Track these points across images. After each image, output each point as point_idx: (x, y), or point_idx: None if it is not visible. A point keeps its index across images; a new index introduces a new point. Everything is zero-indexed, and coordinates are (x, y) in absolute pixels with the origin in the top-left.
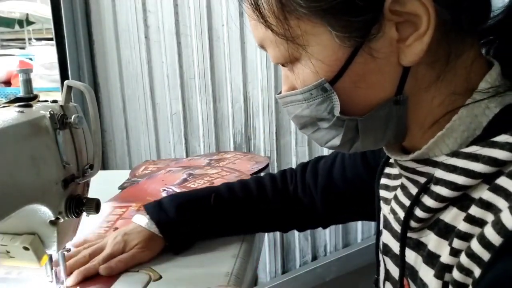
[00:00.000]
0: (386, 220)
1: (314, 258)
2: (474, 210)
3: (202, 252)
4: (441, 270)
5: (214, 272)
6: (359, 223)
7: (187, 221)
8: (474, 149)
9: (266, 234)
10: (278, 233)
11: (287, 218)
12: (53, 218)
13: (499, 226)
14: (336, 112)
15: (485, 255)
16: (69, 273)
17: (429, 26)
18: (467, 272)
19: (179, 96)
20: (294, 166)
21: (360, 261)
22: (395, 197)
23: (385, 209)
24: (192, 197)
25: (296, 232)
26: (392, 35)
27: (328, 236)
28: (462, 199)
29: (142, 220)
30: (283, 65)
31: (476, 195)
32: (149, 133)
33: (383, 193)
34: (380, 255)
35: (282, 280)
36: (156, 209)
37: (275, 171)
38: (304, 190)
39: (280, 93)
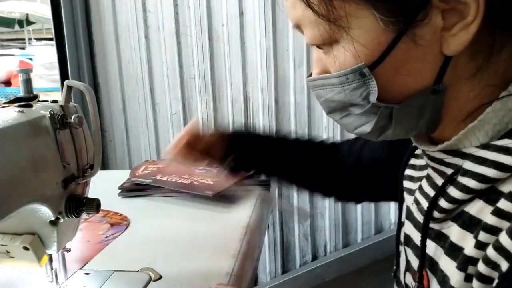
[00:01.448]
0: (408, 210)
1: (314, 258)
2: (503, 204)
3: (202, 252)
4: (465, 262)
5: (214, 272)
6: (359, 223)
7: (258, 139)
8: (505, 142)
9: (266, 234)
10: (278, 233)
11: (332, 183)
12: (53, 218)
13: None
14: (372, 98)
15: None
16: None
17: (477, 16)
18: (493, 265)
19: (179, 96)
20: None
21: (360, 261)
22: (420, 188)
23: (408, 200)
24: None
25: (296, 232)
26: (438, 22)
27: (328, 236)
28: (489, 192)
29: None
30: (318, 46)
31: (505, 188)
32: (149, 133)
33: (407, 184)
34: (401, 246)
35: (282, 280)
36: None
37: None
38: (341, 161)
39: (311, 75)
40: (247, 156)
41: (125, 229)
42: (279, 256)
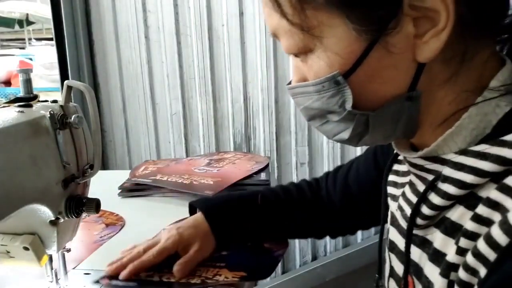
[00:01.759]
0: (393, 216)
1: (314, 258)
2: (481, 209)
3: None
4: (447, 269)
5: None
6: None
7: (237, 218)
8: (483, 147)
9: None
10: None
11: (322, 222)
12: (53, 218)
13: (506, 226)
14: (347, 106)
15: (491, 255)
16: (123, 269)
17: (448, 23)
18: (472, 271)
19: (179, 96)
20: (293, 166)
21: (360, 261)
22: (403, 194)
23: (392, 206)
24: (241, 196)
25: None
26: (410, 30)
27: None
28: (469, 198)
29: (192, 216)
30: (295, 55)
31: (483, 194)
32: (149, 133)
33: (391, 189)
34: (386, 252)
35: (282, 280)
36: (206, 205)
37: (275, 171)
38: (328, 196)
39: (290, 83)
40: (232, 236)
41: (120, 229)
42: None
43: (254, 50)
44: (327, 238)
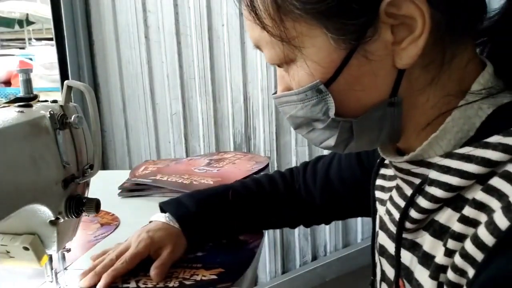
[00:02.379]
0: (382, 221)
1: (314, 258)
2: (467, 211)
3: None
4: (436, 271)
5: None
6: (359, 223)
7: (208, 216)
8: (467, 150)
9: (266, 234)
10: (278, 233)
11: (295, 213)
12: (53, 218)
13: (492, 226)
14: (331, 113)
15: (479, 256)
16: (98, 279)
17: (424, 29)
18: (461, 272)
19: (179, 96)
20: (293, 166)
21: (360, 261)
22: (390, 198)
23: (381, 210)
24: (211, 193)
25: (296, 232)
26: (387, 37)
27: (328, 236)
28: (456, 200)
29: (161, 217)
30: (278, 65)
31: (469, 195)
32: (149, 133)
33: (379, 194)
34: (377, 256)
35: (282, 280)
36: (175, 205)
37: None
38: (306, 188)
39: (276, 93)
40: (204, 229)
41: (114, 229)
42: (279, 256)
43: (254, 50)
44: (327, 238)
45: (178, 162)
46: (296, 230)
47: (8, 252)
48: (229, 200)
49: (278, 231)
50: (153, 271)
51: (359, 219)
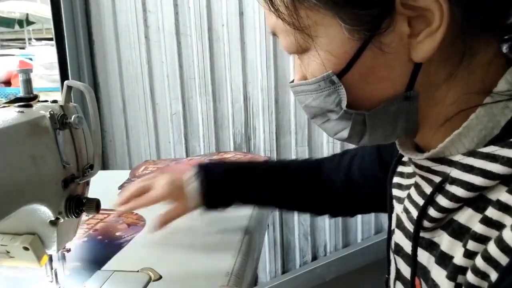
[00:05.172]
0: (399, 219)
1: (314, 258)
2: (491, 212)
3: (202, 252)
4: (454, 272)
5: (214, 272)
6: (359, 223)
7: (229, 184)
8: (492, 149)
9: (266, 234)
10: (278, 233)
11: (320, 200)
12: (53, 218)
13: None
14: (343, 105)
15: (503, 259)
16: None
17: (442, 23)
18: (482, 275)
19: (179, 96)
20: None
21: (360, 261)
22: (409, 196)
23: (398, 208)
24: (243, 165)
25: (296, 232)
26: (404, 30)
27: (328, 236)
28: (478, 200)
29: (189, 174)
30: (295, 54)
31: (493, 196)
32: (149, 133)
33: (396, 192)
34: (391, 254)
35: (282, 280)
36: (204, 166)
37: None
38: (329, 178)
39: (293, 81)
40: (227, 190)
41: (142, 229)
42: (279, 256)
43: (254, 50)
44: (327, 238)
45: (178, 162)
46: (296, 230)
47: (8, 252)
48: (256, 172)
49: (278, 231)
50: (159, 217)
51: (359, 219)
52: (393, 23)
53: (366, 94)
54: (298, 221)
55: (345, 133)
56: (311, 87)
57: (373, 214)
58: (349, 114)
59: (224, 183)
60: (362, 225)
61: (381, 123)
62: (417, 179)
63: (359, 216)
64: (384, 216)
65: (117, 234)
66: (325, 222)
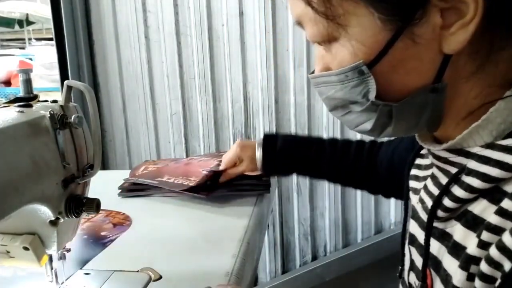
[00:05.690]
0: (414, 210)
1: (314, 258)
2: (506, 204)
3: (202, 252)
4: (467, 262)
5: (214, 272)
6: (359, 223)
7: (287, 154)
8: (510, 142)
9: (266, 234)
10: (278, 233)
11: (362, 177)
12: (53, 218)
13: None
14: (371, 96)
15: None
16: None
17: (476, 15)
18: (496, 265)
19: (179, 96)
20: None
21: (360, 261)
22: (425, 187)
23: (413, 199)
24: (303, 138)
25: (296, 232)
26: (436, 21)
27: (328, 236)
28: (493, 192)
29: (259, 141)
30: (319, 43)
31: (509, 188)
32: (149, 133)
33: (412, 183)
34: (406, 246)
35: (282, 280)
36: (269, 136)
37: None
38: (365, 158)
39: (313, 72)
40: (286, 160)
41: (128, 229)
42: (279, 256)
43: (254, 50)
44: (327, 238)
45: (178, 162)
46: (296, 230)
47: (8, 252)
48: (313, 148)
49: (278, 231)
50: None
51: (359, 219)
52: (426, 14)
53: (394, 86)
54: (298, 221)
55: (368, 125)
56: (337, 77)
57: (373, 214)
58: (375, 106)
59: (284, 155)
60: (362, 225)
61: (407, 115)
62: (434, 170)
63: (359, 216)
64: (384, 217)
65: (102, 233)
66: (325, 222)
